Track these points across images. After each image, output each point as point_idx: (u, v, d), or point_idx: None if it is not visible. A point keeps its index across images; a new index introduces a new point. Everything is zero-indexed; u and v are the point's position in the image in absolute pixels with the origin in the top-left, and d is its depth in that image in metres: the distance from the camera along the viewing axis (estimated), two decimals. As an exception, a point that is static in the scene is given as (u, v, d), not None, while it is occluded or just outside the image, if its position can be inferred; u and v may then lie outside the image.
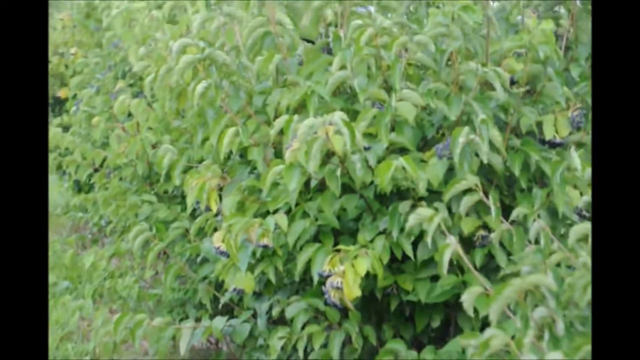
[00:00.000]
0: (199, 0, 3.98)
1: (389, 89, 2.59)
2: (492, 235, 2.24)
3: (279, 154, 2.86)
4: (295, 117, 2.48)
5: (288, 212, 2.62)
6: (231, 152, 2.75)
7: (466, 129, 2.24)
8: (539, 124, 2.51)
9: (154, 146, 3.78)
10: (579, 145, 2.59)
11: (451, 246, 1.89)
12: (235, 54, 2.98)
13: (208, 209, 2.76)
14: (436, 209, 2.32)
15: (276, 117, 2.74)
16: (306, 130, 2.27)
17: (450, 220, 2.38)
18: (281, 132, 2.58)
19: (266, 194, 2.48)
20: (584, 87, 2.58)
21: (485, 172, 2.47)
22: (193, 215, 3.78)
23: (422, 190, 2.25)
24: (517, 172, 2.38)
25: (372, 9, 2.97)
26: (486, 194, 2.27)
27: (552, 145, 2.50)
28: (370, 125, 2.46)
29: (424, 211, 2.04)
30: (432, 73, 2.60)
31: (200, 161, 3.43)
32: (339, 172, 2.36)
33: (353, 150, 2.30)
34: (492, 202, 2.16)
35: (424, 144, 2.62)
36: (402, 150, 2.53)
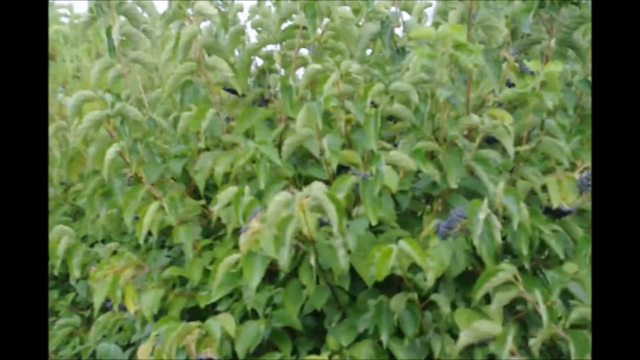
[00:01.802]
0: (82, 46, 3.29)
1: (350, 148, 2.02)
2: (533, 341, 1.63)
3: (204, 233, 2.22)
4: (247, 189, 1.85)
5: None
6: (149, 233, 2.08)
7: (486, 202, 1.68)
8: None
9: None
10: (580, 212, 2.07)
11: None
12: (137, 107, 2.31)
13: (122, 307, 2.05)
14: (432, 302, 1.76)
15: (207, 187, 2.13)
16: (277, 208, 1.64)
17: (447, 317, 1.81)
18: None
19: (215, 291, 1.81)
20: (576, 142, 2.06)
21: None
22: (74, 303, 3.05)
23: (431, 281, 1.66)
24: (524, 250, 1.81)
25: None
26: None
27: (559, 214, 1.96)
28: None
29: (486, 326, 1.45)
30: (410, 128, 2.02)
31: (83, 239, 2.74)
32: (313, 261, 1.73)
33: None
34: (541, 301, 1.58)
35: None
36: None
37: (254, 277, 1.69)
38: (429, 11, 2.51)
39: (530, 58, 2.27)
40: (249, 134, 2.15)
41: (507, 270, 1.60)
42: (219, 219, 2.03)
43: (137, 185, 2.13)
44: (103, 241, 2.73)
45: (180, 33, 2.08)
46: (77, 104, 2.22)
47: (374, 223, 1.75)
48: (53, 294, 2.99)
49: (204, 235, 2.20)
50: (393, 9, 2.39)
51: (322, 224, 1.75)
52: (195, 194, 2.26)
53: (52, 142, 2.38)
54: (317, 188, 1.66)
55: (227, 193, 1.88)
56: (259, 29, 2.38)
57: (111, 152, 2.06)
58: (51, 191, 3.11)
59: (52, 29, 3.87)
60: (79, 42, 3.50)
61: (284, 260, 1.65)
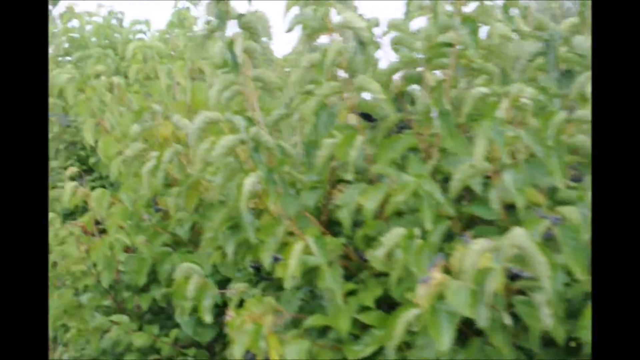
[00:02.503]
0: (178, 61, 3.04)
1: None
2: None
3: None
4: (416, 230, 1.57)
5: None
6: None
7: None
8: None
9: (126, 250, 2.77)
10: None
11: None
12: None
13: (266, 360, 1.78)
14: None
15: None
16: (475, 258, 1.35)
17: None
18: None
19: (393, 352, 1.52)
20: None
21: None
22: (177, 342, 2.77)
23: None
24: None
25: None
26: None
27: None
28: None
29: None
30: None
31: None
32: (508, 320, 1.44)
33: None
34: None
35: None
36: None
37: (443, 338, 1.40)
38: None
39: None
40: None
41: None
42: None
43: (275, 220, 1.85)
44: (212, 276, 2.48)
45: (327, 49, 1.80)
46: (201, 126, 1.96)
47: (581, 277, 1.45)
48: (153, 329, 2.74)
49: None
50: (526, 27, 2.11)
51: (514, 276, 1.47)
52: (328, 230, 1.99)
53: (168, 168, 2.12)
54: (519, 235, 1.37)
55: (393, 235, 1.60)
56: (396, 46, 2.10)
57: (249, 182, 1.79)
58: (146, 217, 2.88)
59: (134, 45, 3.62)
60: (168, 58, 3.26)
61: (483, 319, 1.36)
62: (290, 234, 1.88)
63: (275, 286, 2.26)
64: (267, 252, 1.81)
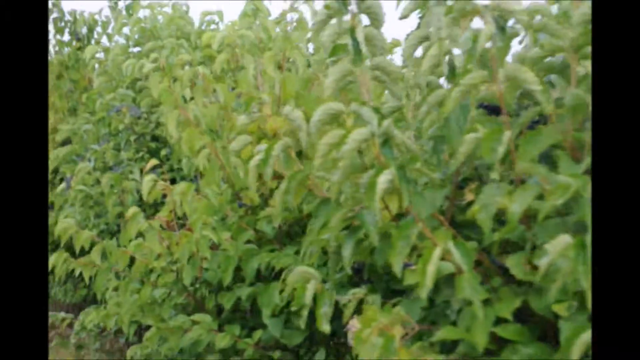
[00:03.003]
0: (266, 52, 2.85)
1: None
2: None
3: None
4: (588, 239, 1.37)
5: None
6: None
7: None
8: None
9: (212, 247, 2.59)
10: None
11: None
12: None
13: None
14: None
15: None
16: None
17: None
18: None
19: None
20: None
21: None
22: (259, 343, 2.59)
23: None
24: None
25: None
26: None
27: None
28: None
29: None
30: None
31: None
32: None
33: None
34: None
35: None
36: None
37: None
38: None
39: None
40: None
41: None
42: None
43: (407, 221, 1.66)
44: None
45: (476, 35, 1.60)
46: (323, 119, 1.78)
47: None
48: (234, 330, 2.55)
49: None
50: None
51: None
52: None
53: (274, 165, 1.93)
54: None
55: (559, 243, 1.39)
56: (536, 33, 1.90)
57: (383, 180, 1.59)
58: (230, 213, 2.71)
59: (221, 35, 3.43)
60: (256, 49, 3.08)
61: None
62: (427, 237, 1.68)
63: (381, 290, 2.08)
64: (399, 257, 1.61)
